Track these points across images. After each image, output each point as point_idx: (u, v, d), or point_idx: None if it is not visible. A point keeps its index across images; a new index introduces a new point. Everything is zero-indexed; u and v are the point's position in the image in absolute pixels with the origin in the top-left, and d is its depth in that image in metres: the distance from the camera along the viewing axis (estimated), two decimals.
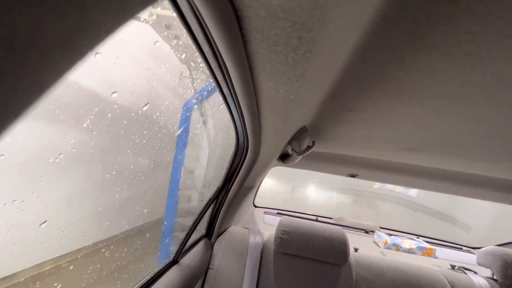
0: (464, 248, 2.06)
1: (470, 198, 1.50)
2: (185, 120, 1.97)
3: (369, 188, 4.87)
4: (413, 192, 4.84)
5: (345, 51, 0.36)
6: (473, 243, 2.12)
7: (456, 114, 0.56)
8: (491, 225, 2.91)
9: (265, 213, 2.15)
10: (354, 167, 1.32)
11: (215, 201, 1.19)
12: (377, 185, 4.51)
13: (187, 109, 1.96)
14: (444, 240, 2.13)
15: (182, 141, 2.05)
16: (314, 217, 2.24)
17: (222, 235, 1.33)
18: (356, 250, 1.49)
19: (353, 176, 1.50)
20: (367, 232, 2.14)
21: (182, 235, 1.04)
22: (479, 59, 0.36)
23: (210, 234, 1.33)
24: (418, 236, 2.15)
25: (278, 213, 2.18)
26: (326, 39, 0.30)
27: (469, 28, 0.31)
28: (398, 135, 0.77)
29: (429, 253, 1.87)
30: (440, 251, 1.92)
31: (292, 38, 0.29)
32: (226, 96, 0.54)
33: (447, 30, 0.32)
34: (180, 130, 1.96)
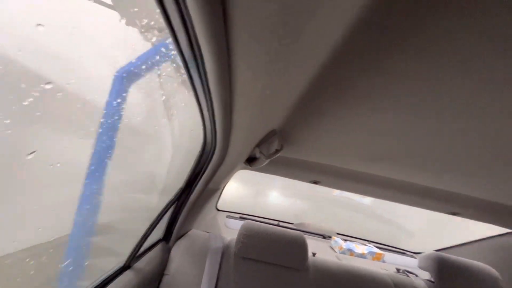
0: (408, 253, 2.25)
1: (418, 208, 1.64)
2: (116, 95, 1.19)
3: (329, 195, 5.11)
4: (367, 200, 5.20)
5: (325, 50, 0.36)
6: (416, 248, 2.34)
7: (421, 126, 0.60)
8: (431, 232, 3.23)
9: (227, 217, 2.12)
10: (317, 173, 1.37)
11: (176, 202, 1.14)
12: (336, 192, 4.76)
13: (121, 79, 1.22)
14: (391, 245, 2.31)
15: (109, 126, 1.21)
16: (276, 222, 2.27)
17: (181, 239, 1.27)
18: (314, 254, 1.54)
19: (315, 182, 1.55)
20: (324, 238, 2.22)
21: (99, 262, 0.93)
22: (450, 73, 0.38)
23: (168, 237, 1.26)
24: (370, 242, 2.30)
25: (240, 217, 2.16)
26: (311, 33, 0.29)
27: (442, 42, 0.33)
28: (362, 144, 0.81)
29: (378, 258, 2.01)
30: (387, 256, 2.08)
31: (279, 25, 0.27)
32: (196, 88, 0.51)
33: (423, 41, 0.33)
34: (106, 109, 1.16)
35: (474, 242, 1.95)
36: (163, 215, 1.05)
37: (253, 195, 4.76)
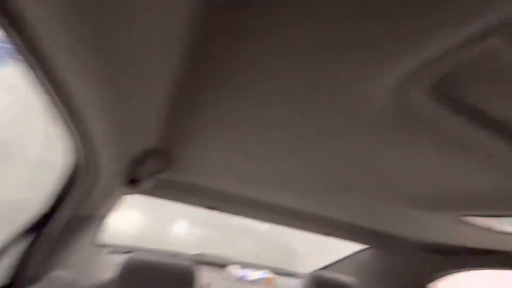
0: (296, 274, 2.45)
1: (301, 230, 1.84)
2: None
3: (229, 222, 5.16)
4: (265, 226, 5.48)
5: (170, 68, 0.34)
6: (305, 269, 2.57)
7: (286, 152, 0.66)
8: (316, 253, 3.66)
9: (111, 252, 1.83)
10: (209, 199, 1.37)
11: (29, 234, 0.90)
12: (236, 219, 4.76)
13: None
14: (284, 268, 2.47)
15: None
16: (172, 254, 2.10)
17: (37, 285, 1.00)
18: (209, 285, 1.49)
19: (211, 208, 1.54)
20: (222, 266, 2.19)
21: None
22: (301, 99, 0.44)
23: (16, 283, 0.96)
24: (264, 267, 2.40)
25: (128, 251, 1.90)
26: (146, 46, 0.28)
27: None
28: (240, 166, 0.85)
29: (270, 283, 2.12)
30: (278, 279, 2.21)
31: (88, 30, 0.26)
32: (47, 96, 0.44)
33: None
34: None
35: (346, 258, 2.30)
36: (4, 252, 0.81)
37: (149, 224, 4.31)
